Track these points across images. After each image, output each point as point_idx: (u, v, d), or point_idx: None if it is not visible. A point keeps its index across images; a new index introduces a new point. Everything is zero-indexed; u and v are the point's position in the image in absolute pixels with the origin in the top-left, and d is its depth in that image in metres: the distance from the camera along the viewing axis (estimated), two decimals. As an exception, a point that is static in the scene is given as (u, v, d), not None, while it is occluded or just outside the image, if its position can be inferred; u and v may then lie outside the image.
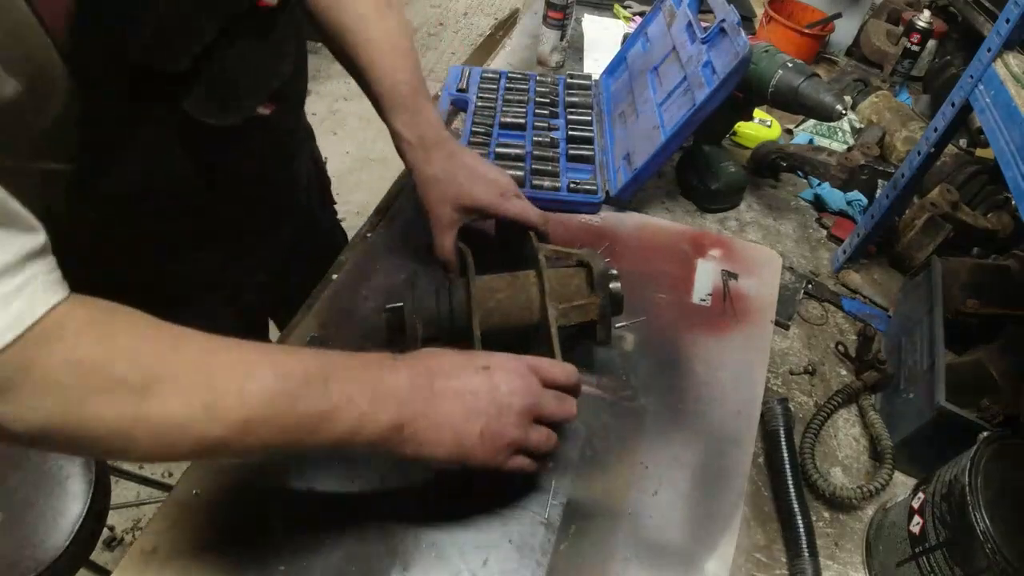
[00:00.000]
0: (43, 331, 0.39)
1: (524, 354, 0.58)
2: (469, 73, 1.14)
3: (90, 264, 0.59)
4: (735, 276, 0.89)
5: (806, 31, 1.38)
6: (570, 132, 1.04)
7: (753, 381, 0.77)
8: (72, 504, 0.90)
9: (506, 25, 1.55)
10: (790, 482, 0.69)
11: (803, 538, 0.65)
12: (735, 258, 0.92)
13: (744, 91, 0.95)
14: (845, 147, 1.20)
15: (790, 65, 0.92)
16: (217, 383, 0.45)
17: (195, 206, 0.66)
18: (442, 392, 0.52)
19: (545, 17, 1.23)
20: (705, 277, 0.89)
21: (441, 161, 0.74)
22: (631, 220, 0.96)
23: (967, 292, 0.83)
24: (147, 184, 0.60)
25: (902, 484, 0.73)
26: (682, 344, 0.80)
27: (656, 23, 1.10)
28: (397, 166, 0.77)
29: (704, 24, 0.95)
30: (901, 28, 1.47)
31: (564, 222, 0.93)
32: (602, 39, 1.39)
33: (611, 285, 0.68)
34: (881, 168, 1.07)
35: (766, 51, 0.94)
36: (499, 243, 0.81)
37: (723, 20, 0.88)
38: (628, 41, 1.16)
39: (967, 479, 0.56)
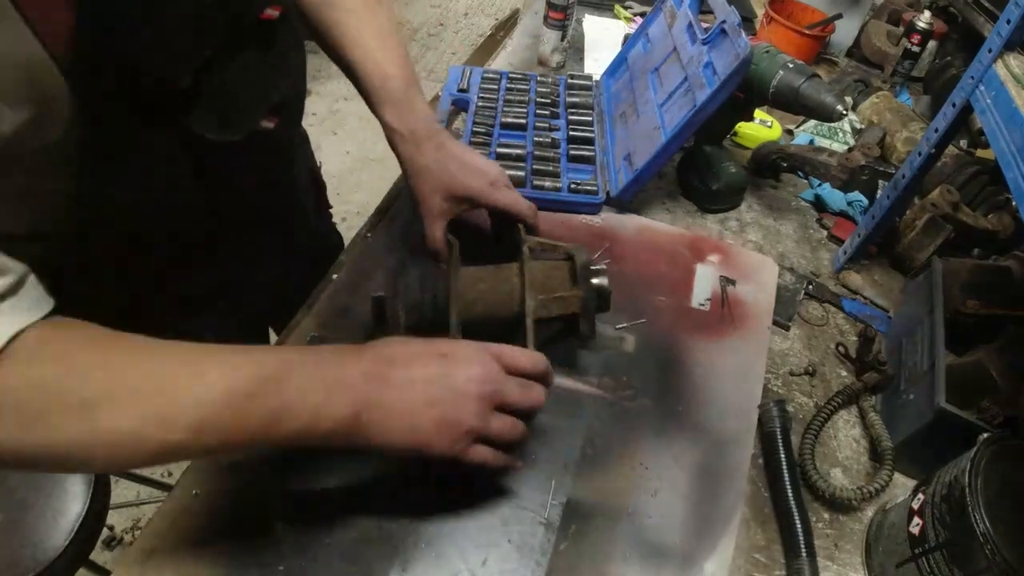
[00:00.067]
0: (6, 355, 0.41)
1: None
2: (470, 73, 1.14)
3: (92, 279, 0.59)
4: (733, 282, 0.89)
5: (807, 32, 1.38)
6: (571, 132, 1.04)
7: (751, 383, 0.78)
8: (72, 504, 0.91)
9: (507, 25, 1.56)
10: (787, 483, 0.69)
11: (801, 538, 0.65)
12: (732, 264, 0.92)
13: (745, 92, 0.95)
14: (846, 148, 1.20)
15: (791, 66, 0.92)
16: (168, 389, 0.46)
17: (197, 219, 0.66)
18: (398, 380, 0.52)
19: (546, 17, 1.23)
20: (704, 282, 0.89)
21: (432, 152, 0.74)
22: (631, 222, 0.96)
23: (967, 293, 0.83)
24: (149, 200, 0.59)
25: (902, 485, 0.73)
26: (682, 347, 0.80)
27: (657, 24, 1.10)
28: (397, 166, 0.77)
29: (705, 25, 0.95)
30: (901, 29, 1.47)
31: (565, 222, 0.93)
32: (603, 40, 1.39)
33: (595, 280, 0.67)
34: (882, 169, 1.07)
35: (767, 52, 0.94)
36: (494, 237, 0.81)
37: (724, 21, 0.88)
38: (629, 42, 1.16)
39: (967, 480, 0.56)
